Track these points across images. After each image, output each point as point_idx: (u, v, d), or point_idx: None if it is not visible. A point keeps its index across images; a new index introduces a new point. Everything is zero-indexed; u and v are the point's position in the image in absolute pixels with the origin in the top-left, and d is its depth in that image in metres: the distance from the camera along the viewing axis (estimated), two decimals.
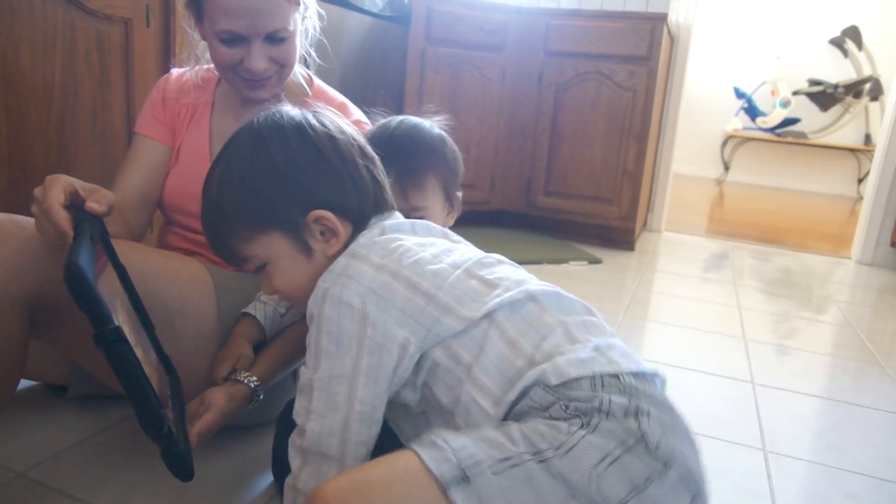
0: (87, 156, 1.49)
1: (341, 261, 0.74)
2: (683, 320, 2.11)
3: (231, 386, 0.97)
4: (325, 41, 2.35)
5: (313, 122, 0.80)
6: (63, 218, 0.78)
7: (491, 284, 0.73)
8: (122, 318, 0.77)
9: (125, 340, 0.68)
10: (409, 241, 0.77)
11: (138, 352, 0.78)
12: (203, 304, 1.08)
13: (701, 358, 1.79)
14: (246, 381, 0.97)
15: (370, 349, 0.69)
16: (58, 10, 1.37)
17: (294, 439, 0.72)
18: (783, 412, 1.51)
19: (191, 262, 1.13)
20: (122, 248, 0.98)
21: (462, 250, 0.80)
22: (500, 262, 0.80)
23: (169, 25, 1.62)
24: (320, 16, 1.25)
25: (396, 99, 2.85)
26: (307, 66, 1.32)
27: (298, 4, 1.10)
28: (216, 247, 0.83)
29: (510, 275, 0.76)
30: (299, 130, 0.79)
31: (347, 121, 0.86)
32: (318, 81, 1.32)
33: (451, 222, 1.10)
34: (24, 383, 1.26)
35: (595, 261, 2.75)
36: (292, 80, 1.25)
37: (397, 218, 0.84)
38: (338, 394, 0.69)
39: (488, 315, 0.70)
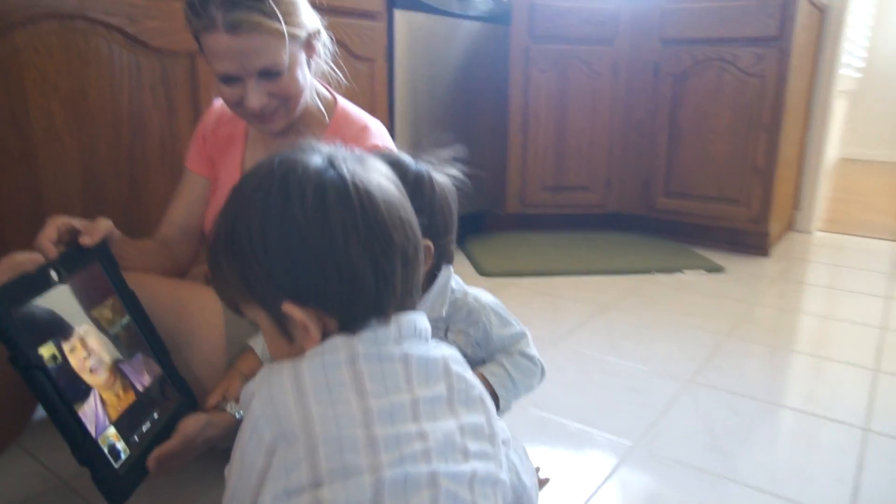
0: (158, 183, 1.60)
1: (284, 372, 0.63)
2: (805, 345, 1.83)
3: (215, 415, 0.98)
4: (434, 52, 2.32)
5: (309, 192, 0.64)
6: (48, 252, 0.87)
7: None
8: (77, 344, 0.84)
9: (37, 367, 0.75)
10: (367, 400, 0.62)
11: (100, 375, 0.86)
12: (209, 336, 1.11)
13: (807, 395, 1.54)
14: (230, 410, 0.99)
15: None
16: (123, 53, 1.48)
17: None
18: None
19: (202, 292, 1.16)
20: (134, 280, 1.03)
21: (430, 439, 0.63)
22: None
23: None
24: (332, 39, 1.23)
25: (501, 102, 2.77)
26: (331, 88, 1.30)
27: (286, 37, 1.06)
28: (215, 286, 0.75)
29: None
30: (284, 203, 0.64)
31: (387, 179, 0.69)
32: (342, 104, 1.29)
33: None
34: None
35: (715, 269, 2.47)
36: (312, 107, 1.23)
37: (393, 333, 0.67)
38: None
39: None
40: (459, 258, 2.59)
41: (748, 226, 2.63)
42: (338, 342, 0.65)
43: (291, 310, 0.64)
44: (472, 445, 0.65)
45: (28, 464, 1.19)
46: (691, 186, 2.71)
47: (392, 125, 2.28)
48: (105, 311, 0.92)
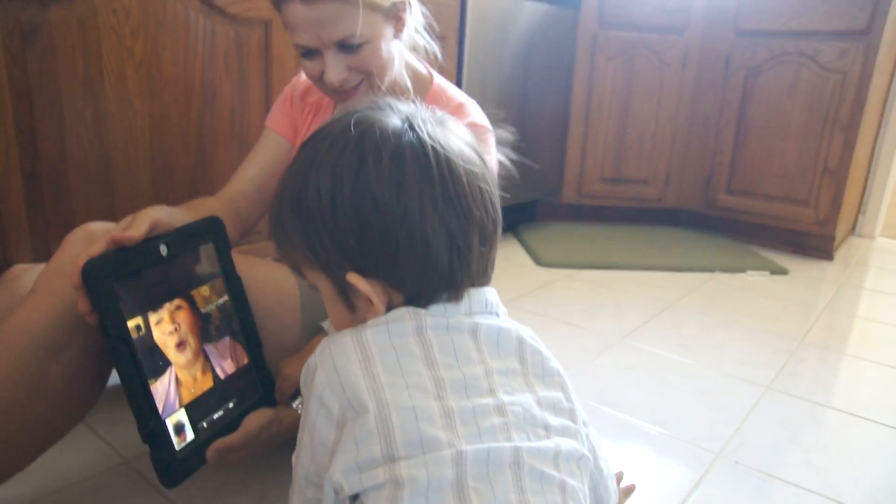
0: (225, 156, 1.55)
1: (347, 339, 0.59)
2: (881, 355, 1.74)
3: (281, 410, 0.94)
4: (502, 33, 2.25)
5: (386, 155, 0.58)
6: (140, 230, 0.81)
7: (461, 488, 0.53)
8: (165, 317, 0.84)
9: (122, 338, 0.76)
10: (438, 371, 0.58)
11: (183, 354, 0.85)
12: (285, 318, 1.07)
13: (893, 409, 1.46)
14: (296, 407, 0.94)
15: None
16: (199, 18, 1.43)
17: None
18: None
19: (278, 272, 1.11)
20: None
21: (507, 412, 0.58)
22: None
23: None
24: (425, 15, 1.16)
25: (564, 89, 2.69)
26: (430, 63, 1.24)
27: (360, 6, 0.98)
28: (277, 245, 0.69)
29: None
30: (359, 165, 0.59)
31: (468, 145, 0.64)
32: (438, 80, 1.23)
33: None
34: None
35: (779, 271, 2.38)
36: (399, 83, 1.17)
37: (463, 307, 0.63)
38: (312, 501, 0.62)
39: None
40: (514, 247, 2.52)
41: (814, 228, 2.53)
42: (403, 312, 0.61)
43: (356, 280, 0.60)
44: (553, 420, 0.60)
45: (90, 440, 1.16)
46: (756, 185, 2.62)
47: None
48: (204, 290, 0.91)
